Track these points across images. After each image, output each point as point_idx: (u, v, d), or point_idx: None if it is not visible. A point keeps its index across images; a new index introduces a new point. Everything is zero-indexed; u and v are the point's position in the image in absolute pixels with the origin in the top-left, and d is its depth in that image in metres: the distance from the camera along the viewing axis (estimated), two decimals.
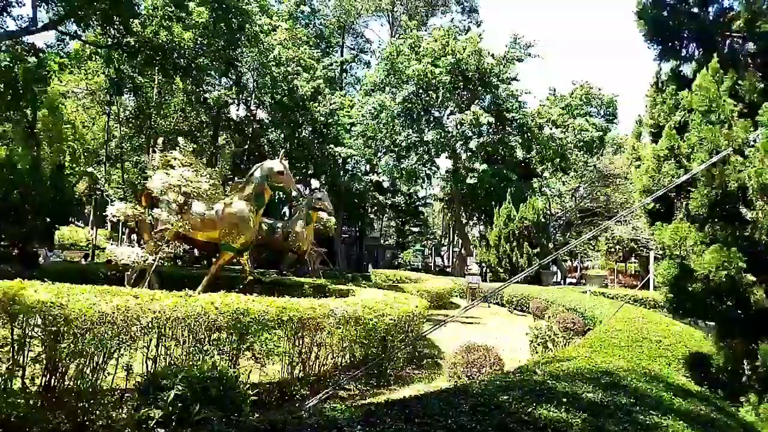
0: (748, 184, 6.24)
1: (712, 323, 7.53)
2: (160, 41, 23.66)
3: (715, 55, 7.07)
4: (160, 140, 13.71)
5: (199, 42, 25.50)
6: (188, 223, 12.30)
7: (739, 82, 7.15)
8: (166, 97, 31.73)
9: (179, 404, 4.03)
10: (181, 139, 12.76)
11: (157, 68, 25.61)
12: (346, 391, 7.79)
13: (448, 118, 35.36)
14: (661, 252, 7.57)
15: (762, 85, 7.00)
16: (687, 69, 8.02)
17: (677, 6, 8.00)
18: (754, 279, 6.19)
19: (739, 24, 7.38)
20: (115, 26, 21.90)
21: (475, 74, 33.23)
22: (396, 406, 3.94)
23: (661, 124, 7.64)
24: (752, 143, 6.52)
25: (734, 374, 6.61)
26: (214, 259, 14.08)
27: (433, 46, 33.28)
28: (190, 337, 6.30)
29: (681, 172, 6.86)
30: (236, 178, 14.60)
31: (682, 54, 8.12)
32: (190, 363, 5.82)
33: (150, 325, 5.93)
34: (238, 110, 35.97)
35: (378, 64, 38.82)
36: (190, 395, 4.10)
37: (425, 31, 38.84)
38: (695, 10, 7.96)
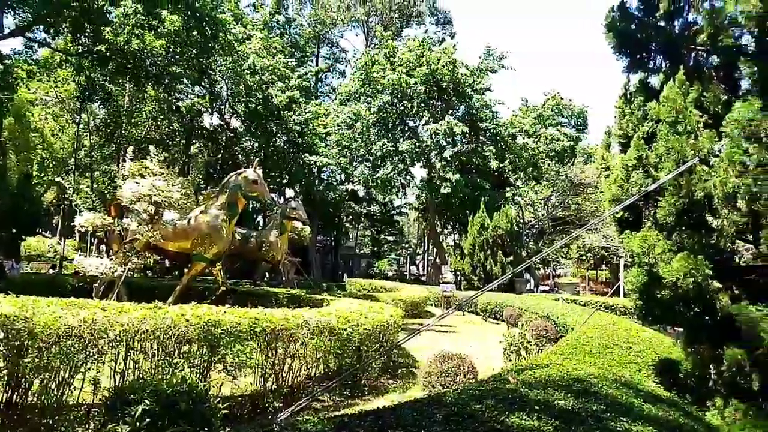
0: (714, 192, 6.40)
1: (681, 329, 7.67)
2: (132, 49, 23.34)
3: (681, 67, 7.25)
4: (130, 149, 13.49)
5: (171, 50, 25.23)
6: (159, 233, 12.10)
7: (704, 93, 7.33)
8: (138, 106, 31.26)
9: (147, 419, 3.92)
10: (152, 148, 12.56)
11: (128, 76, 25.25)
12: (320, 402, 7.72)
13: (422, 128, 35.60)
14: (630, 260, 7.71)
15: (725, 97, 7.20)
16: (654, 80, 8.20)
17: (645, 19, 8.19)
18: (720, 286, 6.33)
19: (703, 38, 7.59)
20: (86, 34, 21.53)
21: (449, 84, 33.56)
22: (369, 417, 3.91)
23: (629, 135, 7.79)
24: (717, 153, 6.69)
25: (701, 379, 6.73)
26: (185, 270, 13.85)
27: (408, 56, 33.50)
28: (160, 350, 6.17)
29: (649, 182, 7.00)
30: (209, 188, 14.43)
31: (650, 66, 8.31)
32: (160, 377, 5.70)
33: (118, 338, 5.80)
34: (211, 119, 35.64)
35: (353, 74, 38.93)
36: (158, 410, 4.00)
37: (400, 41, 39.11)
38: (662, 23, 8.16)
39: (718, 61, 7.73)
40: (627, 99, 8.18)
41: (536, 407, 4.33)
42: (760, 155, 6.11)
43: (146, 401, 3.97)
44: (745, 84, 7.41)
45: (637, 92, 8.12)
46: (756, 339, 5.83)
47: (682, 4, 8.01)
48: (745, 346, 6.04)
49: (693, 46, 7.87)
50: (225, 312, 6.72)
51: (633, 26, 8.18)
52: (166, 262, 24.46)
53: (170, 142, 33.25)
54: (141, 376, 5.94)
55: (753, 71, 7.01)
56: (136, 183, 11.41)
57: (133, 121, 31.31)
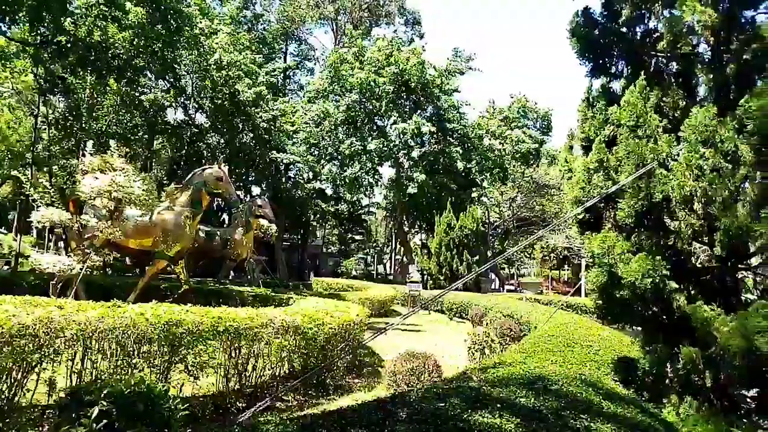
0: (672, 195, 6.60)
1: (639, 328, 7.88)
2: (94, 41, 22.64)
3: (642, 73, 7.45)
4: (90, 143, 13.12)
5: (135, 43, 24.59)
6: (119, 229, 11.81)
7: (664, 99, 7.56)
8: (99, 99, 30.36)
9: (104, 421, 3.82)
10: (113, 143, 12.24)
11: (89, 69, 24.49)
12: (284, 402, 7.65)
13: (391, 128, 35.66)
14: (591, 260, 7.88)
15: (683, 103, 7.43)
16: (616, 85, 8.41)
17: (608, 25, 8.39)
18: (676, 286, 6.52)
19: (663, 45, 7.82)
20: (45, 24, 20.78)
21: (417, 85, 33.68)
22: (332, 416, 3.90)
23: (591, 138, 7.96)
24: (675, 157, 6.89)
25: (658, 377, 6.92)
26: (147, 268, 13.55)
27: (377, 55, 33.51)
28: (119, 349, 6.02)
29: (609, 184, 7.16)
30: (173, 184, 14.15)
31: (612, 71, 8.52)
32: (118, 377, 5.56)
33: (75, 337, 5.63)
34: (175, 114, 34.87)
35: (322, 72, 38.72)
36: (115, 411, 3.90)
37: (369, 41, 39.09)
38: (624, 30, 8.37)
39: (677, 67, 7.97)
40: (589, 103, 8.36)
41: (498, 405, 4.38)
42: (716, 160, 6.33)
43: (102, 402, 3.87)
44: (702, 90, 7.67)
45: (599, 97, 8.30)
46: (709, 338, 6.04)
47: (643, 12, 8.23)
48: (699, 345, 6.25)
49: (653, 53, 8.10)
50: (187, 311, 6.60)
51: (596, 32, 8.37)
52: (127, 259, 23.91)
53: (132, 137, 32.31)
54: (98, 376, 5.79)
55: (709, 78, 7.25)
56: (96, 178, 11.10)
57: (94, 114, 30.39)
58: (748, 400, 6.43)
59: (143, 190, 11.24)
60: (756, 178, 6.32)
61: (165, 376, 6.21)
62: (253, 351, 7.33)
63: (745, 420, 6.18)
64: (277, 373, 8.03)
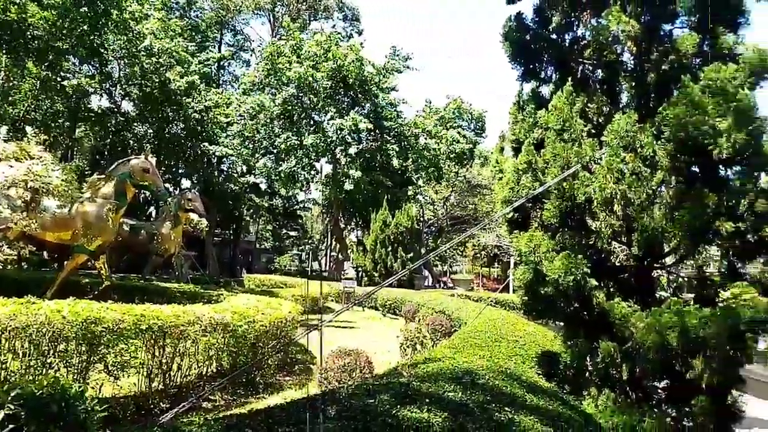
0: (594, 197, 6.90)
1: (561, 324, 8.22)
2: (10, 19, 21.14)
3: (569, 79, 7.74)
4: (4, 129, 12.27)
5: (58, 24, 23.15)
6: (35, 221, 11.12)
7: (589, 104, 7.90)
8: (15, 82, 28.39)
9: (10, 426, 3.56)
10: (29, 129, 11.49)
11: (4, 49, 22.86)
12: (210, 402, 7.45)
13: (328, 123, 35.40)
14: (518, 258, 8.12)
15: (607, 109, 7.80)
16: (545, 90, 8.70)
17: (538, 31, 8.66)
18: (596, 283, 6.84)
19: (589, 52, 8.17)
20: None
21: (355, 81, 33.59)
22: (259, 415, 3.83)
23: (521, 140, 8.19)
24: (598, 161, 7.22)
25: (579, 370, 7.24)
26: (66, 262, 12.84)
27: (314, 49, 33.14)
28: (32, 348, 5.66)
29: (537, 185, 7.41)
30: (95, 174, 13.46)
31: (542, 76, 8.80)
32: (31, 378, 5.22)
33: None
34: (100, 101, 33.11)
35: (258, 64, 37.89)
36: (24, 414, 3.64)
37: (307, 34, 38.63)
38: (554, 36, 8.67)
39: (602, 75, 8.35)
40: (520, 106, 8.60)
41: (427, 400, 4.44)
42: (635, 164, 6.67)
43: (10, 405, 3.60)
44: (624, 98, 8.08)
45: (529, 101, 8.56)
46: (626, 333, 6.37)
47: (572, 20, 8.56)
48: (617, 340, 6.58)
49: (581, 60, 8.44)
50: (107, 308, 6.29)
51: (528, 37, 8.61)
52: (45, 253, 22.54)
53: (52, 124, 30.45)
54: (8, 377, 5.42)
55: (631, 86, 7.64)
56: (11, 166, 10.39)
57: (9, 99, 28.39)
58: (659, 391, 6.85)
59: (62, 180, 10.63)
60: (671, 183, 6.73)
61: (83, 376, 5.90)
62: (179, 350, 7.09)
63: (656, 409, 6.58)
64: (204, 373, 7.81)
